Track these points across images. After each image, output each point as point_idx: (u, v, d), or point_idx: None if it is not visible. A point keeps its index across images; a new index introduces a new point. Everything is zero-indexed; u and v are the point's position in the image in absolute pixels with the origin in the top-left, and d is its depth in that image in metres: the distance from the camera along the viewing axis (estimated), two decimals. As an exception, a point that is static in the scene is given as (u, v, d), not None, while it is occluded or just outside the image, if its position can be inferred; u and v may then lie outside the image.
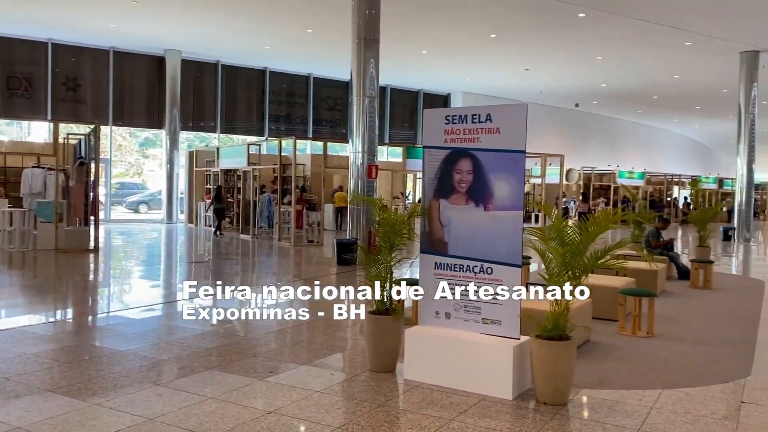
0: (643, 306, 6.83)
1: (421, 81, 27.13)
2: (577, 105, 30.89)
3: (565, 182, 26.69)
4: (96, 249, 13.32)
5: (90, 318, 7.29)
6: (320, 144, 18.59)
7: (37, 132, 22.19)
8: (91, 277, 10.69)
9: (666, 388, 4.88)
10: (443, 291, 4.99)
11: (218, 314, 7.10)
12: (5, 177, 16.66)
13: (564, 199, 28.20)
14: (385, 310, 5.08)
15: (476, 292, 4.87)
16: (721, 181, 35.98)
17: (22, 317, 7.23)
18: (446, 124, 5.01)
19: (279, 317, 7.25)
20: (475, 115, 4.89)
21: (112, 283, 10.14)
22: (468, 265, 4.92)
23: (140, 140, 29.21)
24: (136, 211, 27.92)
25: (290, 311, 7.54)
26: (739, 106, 20.27)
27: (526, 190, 26.16)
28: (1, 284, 9.54)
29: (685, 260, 11.87)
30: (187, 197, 22.76)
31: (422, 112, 19.84)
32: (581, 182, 28.75)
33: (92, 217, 13.70)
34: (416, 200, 21.37)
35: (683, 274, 11.05)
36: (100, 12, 17.09)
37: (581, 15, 16.04)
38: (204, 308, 7.82)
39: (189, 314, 7.23)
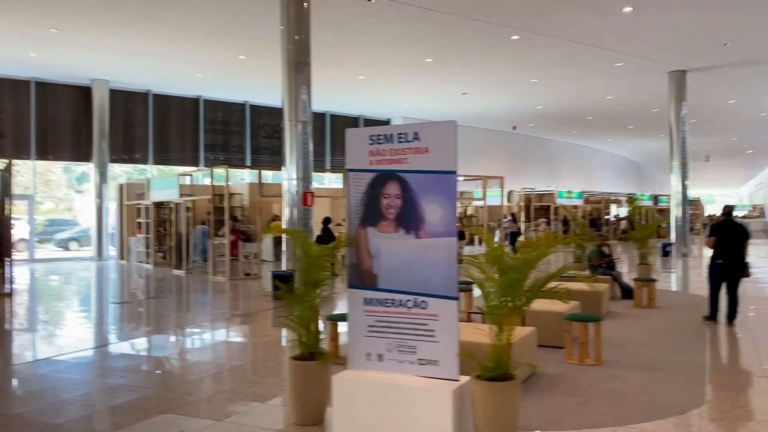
0: (589, 331, 6.51)
1: (360, 106, 26.91)
2: (514, 128, 31.24)
3: (506, 204, 26.76)
4: (11, 293, 12.28)
5: (16, 367, 6.45)
6: (263, 173, 17.94)
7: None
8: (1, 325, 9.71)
9: (619, 425, 4.50)
10: (374, 330, 4.52)
11: (132, 364, 6.40)
12: None
13: (505, 219, 28.28)
14: (310, 355, 4.55)
15: (410, 329, 4.40)
16: (656, 198, 36.96)
17: None
18: (371, 144, 4.57)
19: (201, 364, 6.60)
20: (402, 134, 4.47)
21: (18, 331, 9.19)
22: (400, 300, 4.45)
23: (76, 175, 27.75)
24: (66, 248, 26.51)
25: (214, 356, 6.90)
26: (670, 125, 20.75)
27: (469, 213, 26.11)
28: None
29: (627, 278, 11.75)
30: (118, 232, 21.66)
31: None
32: (522, 203, 28.92)
33: (7, 259, 12.68)
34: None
35: (626, 293, 10.91)
36: (18, 41, 16.14)
37: (514, 37, 16.10)
38: (117, 357, 7.09)
39: (99, 365, 6.50)
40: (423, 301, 4.37)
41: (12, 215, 13.10)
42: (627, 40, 16.36)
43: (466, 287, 8.69)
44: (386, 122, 29.03)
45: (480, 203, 22.34)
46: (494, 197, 22.33)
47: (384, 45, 17.01)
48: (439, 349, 4.31)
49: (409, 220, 4.42)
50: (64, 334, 8.83)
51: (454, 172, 4.31)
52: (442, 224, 4.32)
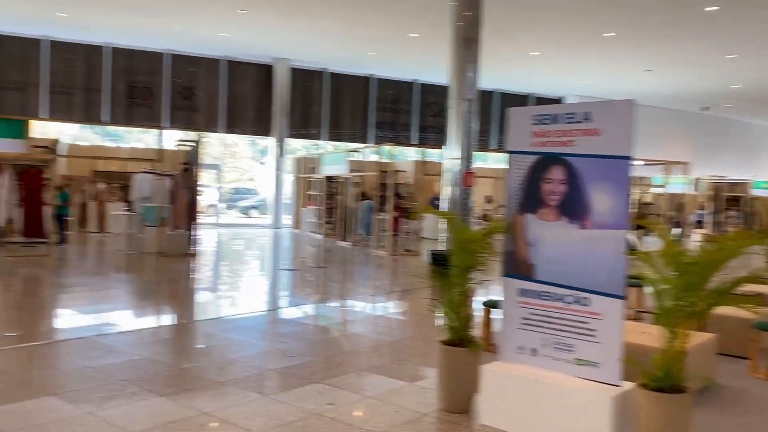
0: (782, 344, 5.67)
1: (531, 85, 25.94)
2: (707, 108, 28.32)
3: (694, 192, 24.47)
4: (195, 254, 13.46)
5: (190, 324, 7.20)
6: (428, 151, 18.04)
7: (156, 139, 23.29)
8: (183, 283, 10.71)
9: (815, 459, 3.85)
10: (528, 323, 4.25)
11: (293, 330, 6.69)
12: (125, 182, 17.34)
13: (698, 211, 25.82)
14: (460, 341, 4.40)
15: (568, 326, 4.08)
16: None
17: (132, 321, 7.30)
18: (534, 125, 4.26)
19: (356, 336, 6.74)
20: (571, 114, 4.11)
21: (197, 290, 10.05)
22: (559, 294, 4.13)
23: (261, 147, 29.88)
24: (248, 215, 28.82)
25: (370, 330, 7.01)
26: None
27: (647, 200, 24.22)
28: (101, 288, 9.72)
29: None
30: (293, 203, 23.01)
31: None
32: (710, 192, 26.20)
33: (193, 223, 13.93)
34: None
35: (834, 302, 9.42)
36: (212, 22, 17.53)
37: (710, 9, 14.43)
38: (281, 322, 7.48)
39: (263, 329, 6.91)
40: (585, 298, 4.02)
41: (200, 183, 14.33)
42: None
43: (636, 282, 8.00)
44: (557, 101, 27.70)
45: (660, 190, 20.61)
46: (676, 184, 20.46)
47: (561, 19, 16.11)
48: (601, 350, 3.95)
49: (574, 208, 4.07)
50: (236, 295, 9.53)
51: (628, 158, 3.88)
52: (611, 215, 3.92)
